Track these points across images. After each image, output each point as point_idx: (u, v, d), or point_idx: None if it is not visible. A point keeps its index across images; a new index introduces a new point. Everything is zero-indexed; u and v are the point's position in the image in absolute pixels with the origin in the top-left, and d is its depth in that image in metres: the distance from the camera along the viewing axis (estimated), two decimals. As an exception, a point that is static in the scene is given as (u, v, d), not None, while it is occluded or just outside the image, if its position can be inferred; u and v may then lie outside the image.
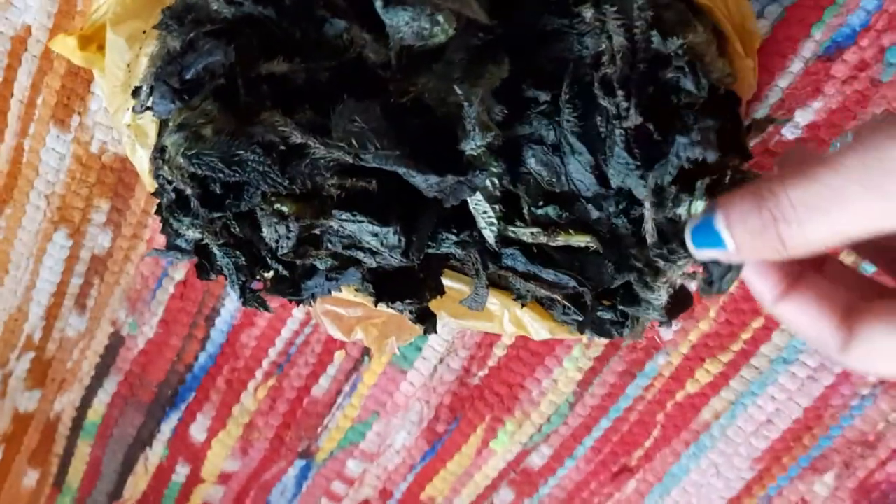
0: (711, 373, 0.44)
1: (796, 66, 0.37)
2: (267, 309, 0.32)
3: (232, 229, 0.30)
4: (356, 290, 0.34)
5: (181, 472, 0.58)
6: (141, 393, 0.55)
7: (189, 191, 0.28)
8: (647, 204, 0.29)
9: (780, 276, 0.21)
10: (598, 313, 0.33)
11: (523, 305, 0.35)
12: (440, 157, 0.28)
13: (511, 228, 0.31)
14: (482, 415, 0.49)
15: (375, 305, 0.32)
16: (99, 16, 0.35)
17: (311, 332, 0.50)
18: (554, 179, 0.31)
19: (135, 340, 0.53)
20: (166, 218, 0.31)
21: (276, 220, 0.28)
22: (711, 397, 0.45)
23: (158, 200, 0.31)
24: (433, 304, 0.33)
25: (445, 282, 0.34)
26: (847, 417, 0.44)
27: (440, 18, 0.26)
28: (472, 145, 0.27)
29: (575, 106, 0.29)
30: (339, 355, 0.50)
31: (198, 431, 0.55)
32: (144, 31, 0.33)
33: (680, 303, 0.33)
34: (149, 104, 0.30)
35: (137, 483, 0.59)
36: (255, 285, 0.32)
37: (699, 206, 0.29)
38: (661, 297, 0.31)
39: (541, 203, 0.31)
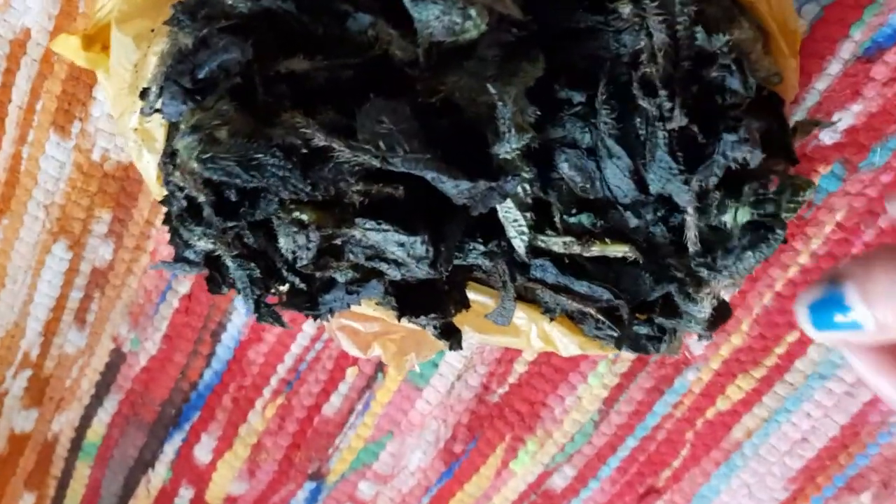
0: (744, 389, 0.43)
1: (834, 68, 0.36)
2: (283, 324, 0.31)
3: (246, 239, 0.29)
4: (377, 303, 0.32)
5: (185, 495, 0.56)
6: (143, 412, 0.54)
7: (202, 198, 0.26)
8: (689, 209, 0.27)
9: None
10: (634, 327, 0.32)
11: (552, 319, 0.33)
12: (469, 162, 0.26)
13: (542, 238, 0.30)
14: (502, 434, 0.48)
15: (399, 320, 0.30)
16: (103, 14, 0.34)
17: (323, 347, 0.49)
18: (588, 186, 0.29)
19: (137, 357, 0.51)
20: (175, 228, 0.29)
21: (295, 229, 0.27)
22: (743, 414, 0.44)
23: (166, 209, 0.30)
24: (457, 319, 0.32)
25: (470, 295, 0.33)
26: (885, 434, 0.43)
27: (472, 13, 0.25)
28: (507, 148, 0.26)
29: (612, 107, 0.28)
30: (351, 372, 0.49)
31: (203, 452, 0.54)
32: (153, 30, 0.32)
33: (719, 315, 0.31)
34: (158, 106, 0.28)
35: (138, 506, 0.57)
36: (269, 299, 0.31)
37: (745, 214, 0.28)
38: (704, 308, 0.29)
39: (574, 211, 0.30)
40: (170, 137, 0.30)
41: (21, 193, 0.46)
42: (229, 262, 0.29)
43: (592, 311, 0.31)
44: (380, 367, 0.48)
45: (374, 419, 0.49)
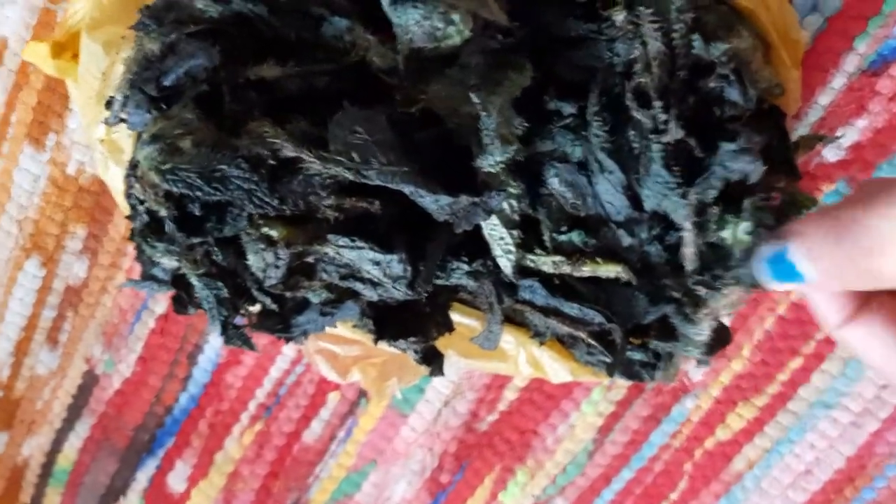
0: (745, 418, 0.42)
1: (838, 82, 0.35)
2: (252, 348, 0.29)
3: (213, 257, 0.27)
4: (354, 326, 0.31)
5: (158, 525, 0.54)
6: (115, 437, 0.52)
7: (164, 212, 0.25)
8: (687, 225, 0.26)
9: (849, 297, 0.20)
10: (628, 353, 0.30)
11: (541, 344, 0.32)
12: (451, 175, 0.25)
13: (530, 257, 0.28)
14: (491, 464, 0.46)
15: (375, 343, 0.28)
16: (75, 21, 0.33)
17: (303, 371, 0.47)
18: (579, 202, 0.28)
19: (110, 379, 0.50)
20: (139, 244, 0.27)
21: (263, 246, 0.25)
22: (744, 445, 0.42)
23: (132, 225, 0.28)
24: (440, 342, 0.30)
25: (454, 317, 0.31)
26: (893, 466, 0.41)
27: (455, 18, 0.24)
28: (491, 161, 0.24)
29: (604, 119, 0.26)
30: (333, 397, 0.47)
31: (176, 481, 0.52)
32: (123, 37, 0.30)
33: (718, 339, 0.30)
34: (123, 115, 0.27)
35: (111, 536, 0.55)
36: (241, 321, 0.29)
37: (746, 228, 0.26)
38: (702, 330, 0.28)
39: (564, 228, 0.29)
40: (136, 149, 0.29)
41: (-8, 208, 0.45)
42: (195, 281, 0.27)
43: (583, 336, 0.30)
44: (363, 392, 0.47)
45: (356, 447, 0.48)
